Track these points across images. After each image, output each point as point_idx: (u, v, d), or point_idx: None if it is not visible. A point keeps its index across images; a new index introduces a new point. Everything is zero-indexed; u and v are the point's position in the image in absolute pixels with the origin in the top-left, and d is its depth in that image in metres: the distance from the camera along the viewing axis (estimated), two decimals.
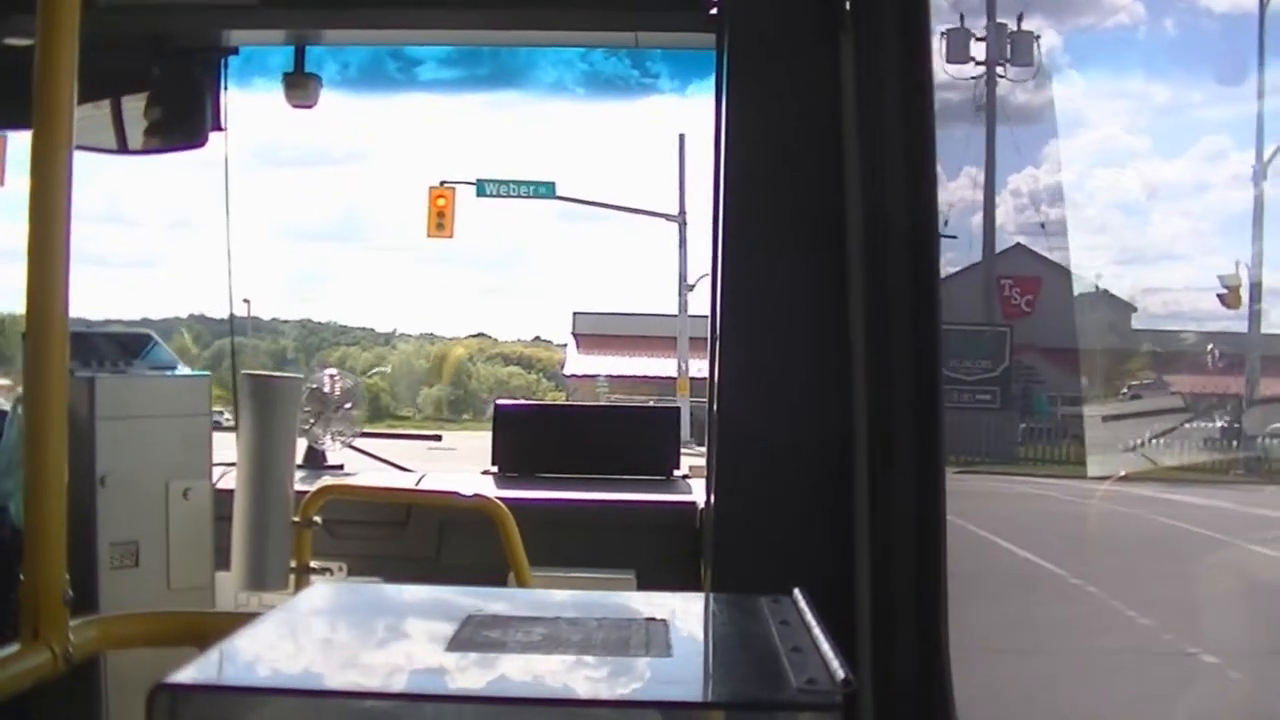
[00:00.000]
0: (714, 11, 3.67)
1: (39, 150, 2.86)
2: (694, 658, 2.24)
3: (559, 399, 33.27)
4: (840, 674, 1.88)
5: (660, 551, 5.11)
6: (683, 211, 30.91)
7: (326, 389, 6.20)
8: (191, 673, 1.93)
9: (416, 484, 5.66)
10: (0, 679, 2.73)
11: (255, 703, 1.93)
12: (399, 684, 2.03)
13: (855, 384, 3.31)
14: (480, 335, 40.87)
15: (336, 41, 5.50)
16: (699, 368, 30.74)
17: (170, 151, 5.39)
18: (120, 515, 4.23)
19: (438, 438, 7.86)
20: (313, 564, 4.87)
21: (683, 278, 31.31)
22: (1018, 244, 28.70)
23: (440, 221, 23.69)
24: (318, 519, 4.89)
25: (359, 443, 6.33)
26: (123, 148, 5.22)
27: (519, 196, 28.48)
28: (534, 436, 6.03)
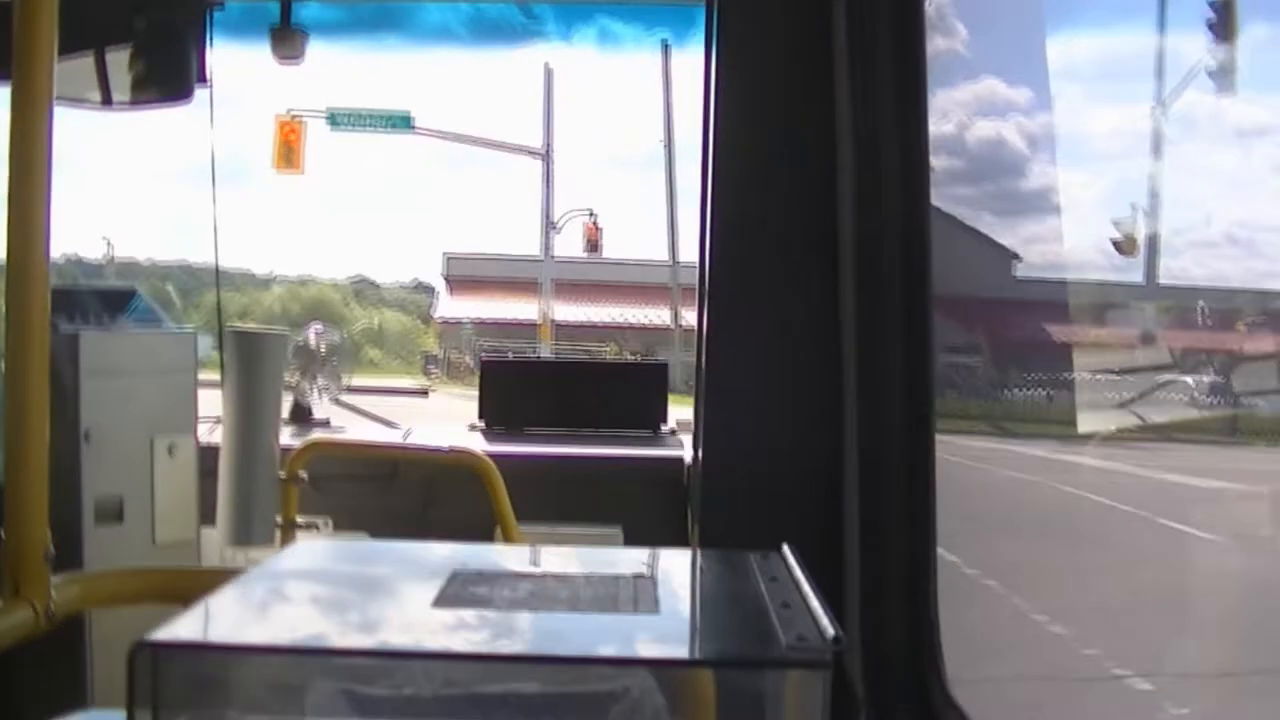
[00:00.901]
0: None
1: (19, 104, 2.84)
2: (682, 614, 2.23)
3: (432, 344, 32.51)
4: (830, 631, 1.87)
5: (648, 506, 5.11)
6: (549, 147, 29.42)
7: (312, 344, 6.18)
8: (175, 630, 1.91)
9: (404, 439, 5.65)
10: None
11: (239, 660, 1.91)
12: (384, 641, 2.01)
13: (844, 340, 3.30)
14: (360, 279, 39.92)
15: None
16: (566, 313, 29.66)
17: (155, 106, 5.34)
18: (105, 471, 4.22)
19: (424, 394, 7.86)
20: (299, 519, 4.86)
21: (547, 217, 29.81)
22: None
23: (288, 155, 22.83)
24: (304, 474, 4.87)
25: (345, 398, 6.33)
26: (106, 101, 5.17)
27: (374, 129, 27.01)
28: (521, 391, 6.03)
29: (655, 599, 2.14)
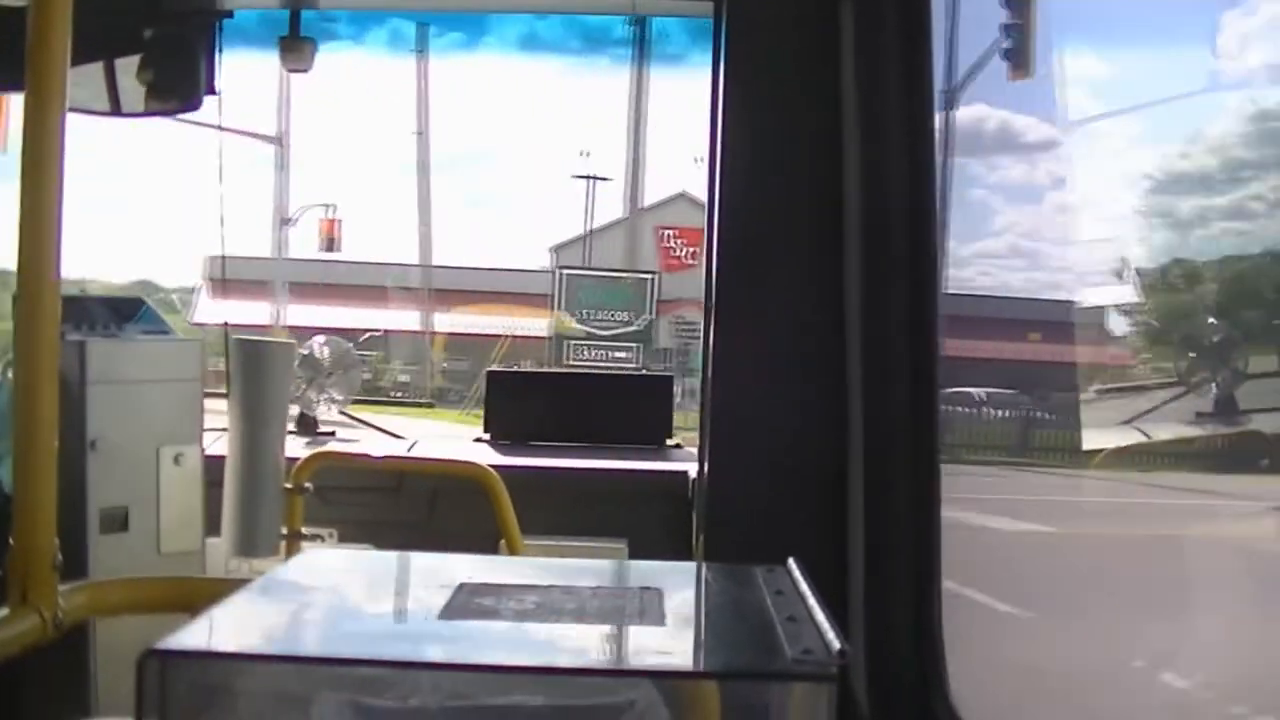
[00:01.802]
0: None
1: (32, 113, 2.84)
2: (688, 627, 2.23)
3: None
4: (835, 645, 1.87)
5: (652, 520, 5.11)
6: (283, 132, 25.24)
7: (318, 355, 6.19)
8: (181, 638, 1.92)
9: (409, 451, 5.65)
10: None
11: (245, 669, 1.92)
12: (391, 651, 2.01)
13: (849, 352, 3.30)
14: (143, 282, 37.81)
15: (331, 5, 5.47)
16: (313, 316, 25.16)
17: (165, 115, 5.36)
18: (111, 480, 4.22)
19: (431, 405, 7.87)
20: (304, 530, 4.85)
21: (280, 211, 25.78)
22: (682, 193, 26.41)
23: None
24: (309, 485, 4.87)
25: (351, 409, 6.34)
26: (116, 110, 5.18)
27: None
28: (527, 404, 6.03)
29: (661, 611, 2.14)
